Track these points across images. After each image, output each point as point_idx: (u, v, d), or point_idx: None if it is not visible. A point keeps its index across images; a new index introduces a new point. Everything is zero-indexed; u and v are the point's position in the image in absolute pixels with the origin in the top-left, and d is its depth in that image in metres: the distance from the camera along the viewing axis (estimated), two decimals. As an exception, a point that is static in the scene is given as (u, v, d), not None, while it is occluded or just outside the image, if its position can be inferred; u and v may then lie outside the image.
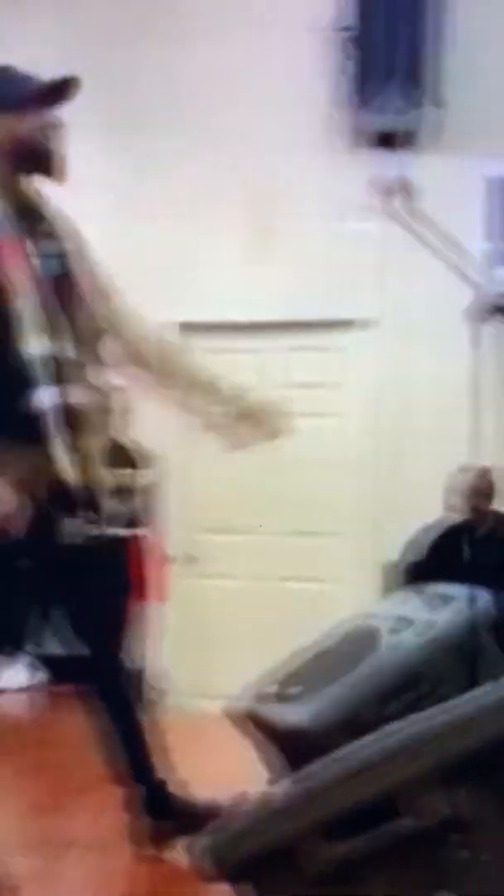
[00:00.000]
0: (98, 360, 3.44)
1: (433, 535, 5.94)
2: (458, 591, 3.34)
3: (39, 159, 3.36)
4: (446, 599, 3.26)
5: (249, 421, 3.54)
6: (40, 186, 3.43)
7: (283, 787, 2.62)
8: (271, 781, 2.79)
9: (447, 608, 3.17)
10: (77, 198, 3.45)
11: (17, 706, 6.06)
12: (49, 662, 6.43)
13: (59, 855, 3.50)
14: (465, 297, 4.51)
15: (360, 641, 3.13)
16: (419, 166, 5.93)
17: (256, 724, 3.01)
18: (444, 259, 3.26)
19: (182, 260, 7.04)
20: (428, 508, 6.21)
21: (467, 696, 2.45)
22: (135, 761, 3.51)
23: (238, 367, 7.19)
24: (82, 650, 3.55)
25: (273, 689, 3.06)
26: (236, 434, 3.49)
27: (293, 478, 7.01)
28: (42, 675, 6.47)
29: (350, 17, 6.86)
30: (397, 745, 2.43)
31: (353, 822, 2.47)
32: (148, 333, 3.62)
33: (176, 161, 7.14)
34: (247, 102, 7.11)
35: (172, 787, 3.50)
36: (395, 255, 6.78)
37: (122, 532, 5.74)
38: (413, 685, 3.00)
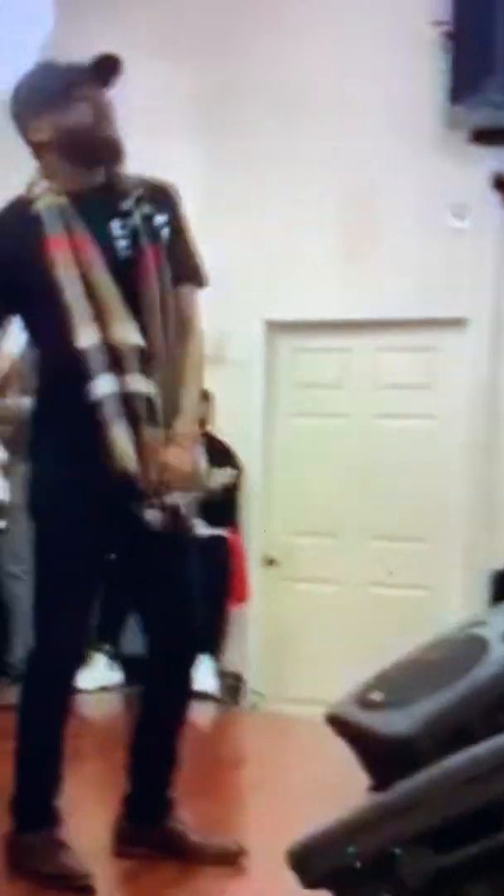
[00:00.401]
0: (172, 346, 3.32)
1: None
2: None
3: (93, 148, 3.29)
4: None
5: None
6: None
7: (384, 795, 2.48)
8: (372, 788, 2.66)
9: None
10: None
11: (95, 707, 6.00)
12: (126, 663, 6.38)
13: (133, 856, 3.45)
14: None
15: (467, 650, 2.98)
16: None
17: (357, 731, 2.88)
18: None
19: (274, 258, 6.95)
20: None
21: None
22: (165, 765, 3.47)
23: (328, 366, 7.16)
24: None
25: (375, 695, 2.92)
26: None
27: (384, 481, 6.89)
28: (118, 676, 6.42)
29: (446, 13, 6.73)
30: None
31: (456, 833, 2.37)
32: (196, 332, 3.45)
33: (270, 158, 7.04)
34: (342, 99, 7.00)
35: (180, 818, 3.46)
36: (490, 252, 6.69)
37: (208, 530, 5.69)
38: (522, 696, 2.87)
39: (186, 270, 3.37)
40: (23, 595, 5.52)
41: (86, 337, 3.19)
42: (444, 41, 6.72)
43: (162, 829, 3.42)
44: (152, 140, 6.39)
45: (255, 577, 7.03)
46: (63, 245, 3.22)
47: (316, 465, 7.03)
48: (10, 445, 5.81)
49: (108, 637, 6.20)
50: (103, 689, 6.23)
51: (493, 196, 3.56)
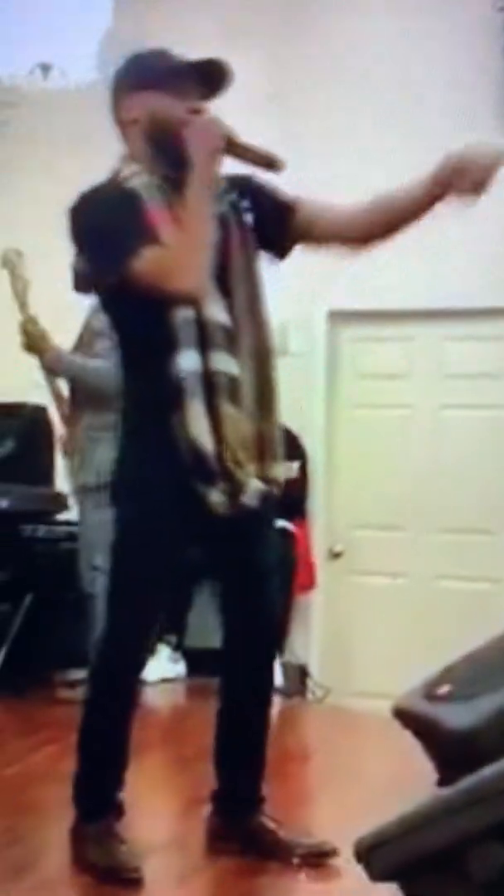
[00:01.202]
0: (257, 327, 3.31)
1: None
2: None
3: (173, 148, 3.23)
4: None
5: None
6: None
7: (450, 790, 2.46)
8: (440, 782, 2.63)
9: None
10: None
11: (158, 699, 6.01)
12: (188, 655, 6.42)
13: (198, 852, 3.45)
14: None
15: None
16: None
17: (424, 724, 2.85)
18: None
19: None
20: None
21: None
22: (252, 759, 3.45)
23: (391, 356, 7.09)
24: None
25: (442, 689, 2.89)
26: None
27: (450, 473, 6.83)
28: (181, 668, 6.42)
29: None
30: None
31: None
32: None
33: (337, 143, 6.99)
34: (407, 82, 6.96)
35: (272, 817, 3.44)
36: None
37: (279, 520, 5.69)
38: None
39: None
40: (99, 588, 5.55)
41: (183, 310, 3.18)
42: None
43: (251, 825, 3.41)
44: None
45: (320, 569, 6.99)
46: (164, 218, 3.18)
47: (380, 458, 6.97)
48: (67, 419, 5.78)
49: (172, 629, 6.19)
50: (166, 680, 6.25)
51: None
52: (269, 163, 3.26)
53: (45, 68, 5.96)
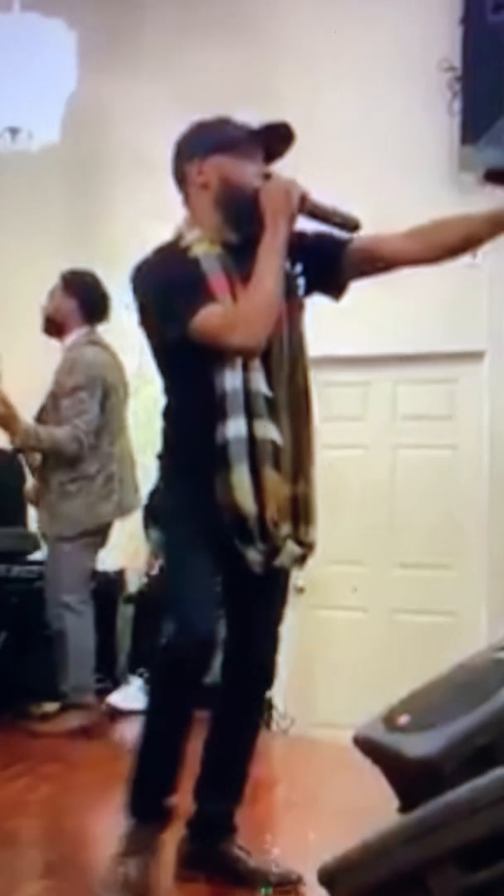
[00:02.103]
0: (297, 396, 3.40)
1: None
2: None
3: (247, 212, 3.28)
4: None
5: None
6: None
7: (410, 816, 2.59)
8: (401, 809, 2.78)
9: None
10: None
11: (130, 729, 6.11)
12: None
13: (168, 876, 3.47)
14: None
15: (491, 674, 3.10)
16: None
17: (384, 753, 3.00)
18: None
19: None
20: None
21: None
22: (233, 789, 3.52)
23: (348, 399, 7.28)
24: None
25: (402, 718, 3.04)
26: None
27: (407, 510, 7.03)
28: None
29: (456, 56, 6.91)
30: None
31: (482, 853, 2.45)
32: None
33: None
34: (357, 140, 7.17)
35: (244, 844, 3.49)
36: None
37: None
38: (548, 719, 2.97)
39: None
40: (75, 626, 5.68)
41: (231, 380, 3.26)
42: (455, 84, 6.89)
43: (224, 853, 3.45)
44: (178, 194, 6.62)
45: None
46: (223, 289, 3.24)
47: (339, 497, 7.15)
48: (39, 473, 5.93)
49: (146, 662, 6.27)
50: (137, 712, 6.33)
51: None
52: (346, 222, 3.30)
53: (14, 131, 6.09)
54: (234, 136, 3.37)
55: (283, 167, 7.29)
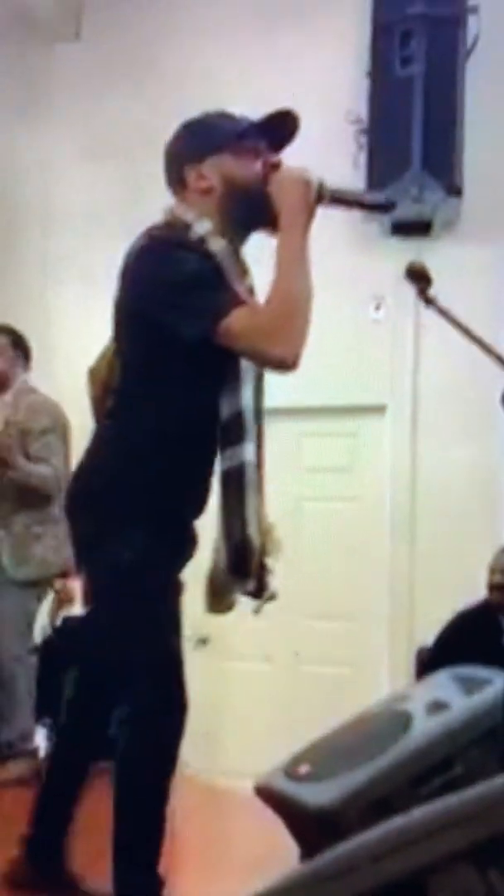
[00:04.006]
0: (259, 415, 3.12)
1: (452, 622, 5.85)
2: (495, 675, 3.36)
3: (257, 209, 2.97)
4: (482, 683, 3.28)
5: None
6: None
7: (308, 865, 2.64)
8: (302, 857, 2.82)
9: (483, 692, 3.21)
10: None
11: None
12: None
13: None
14: (480, 383, 4.56)
15: (391, 723, 3.16)
16: (435, 254, 5.96)
17: (285, 802, 3.05)
18: (473, 343, 3.22)
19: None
20: (468, 591, 5.97)
21: (500, 777, 2.47)
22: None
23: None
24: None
25: (302, 768, 3.09)
26: None
27: (309, 561, 7.07)
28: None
29: (362, 108, 6.95)
30: (428, 824, 2.46)
31: None
32: None
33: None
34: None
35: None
36: (408, 341, 6.93)
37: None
38: (445, 768, 3.02)
39: None
40: (21, 675, 5.60)
41: (245, 395, 3.01)
42: (361, 136, 6.95)
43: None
44: (86, 243, 6.58)
45: (189, 654, 7.12)
46: (245, 292, 2.98)
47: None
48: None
49: (49, 710, 6.24)
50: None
51: (409, 287, 3.71)
52: (378, 205, 3.07)
53: None
54: (229, 131, 3.07)
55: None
